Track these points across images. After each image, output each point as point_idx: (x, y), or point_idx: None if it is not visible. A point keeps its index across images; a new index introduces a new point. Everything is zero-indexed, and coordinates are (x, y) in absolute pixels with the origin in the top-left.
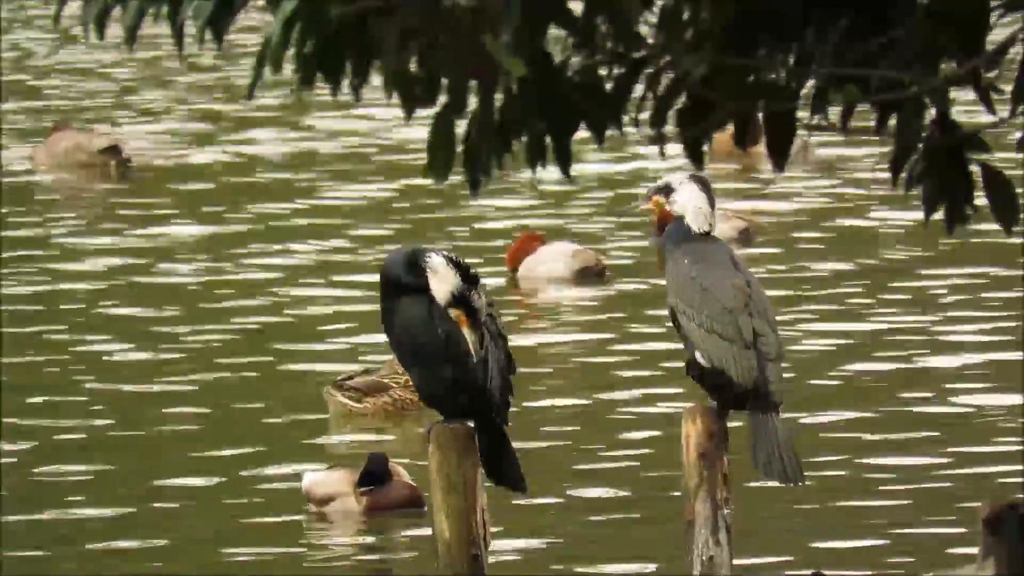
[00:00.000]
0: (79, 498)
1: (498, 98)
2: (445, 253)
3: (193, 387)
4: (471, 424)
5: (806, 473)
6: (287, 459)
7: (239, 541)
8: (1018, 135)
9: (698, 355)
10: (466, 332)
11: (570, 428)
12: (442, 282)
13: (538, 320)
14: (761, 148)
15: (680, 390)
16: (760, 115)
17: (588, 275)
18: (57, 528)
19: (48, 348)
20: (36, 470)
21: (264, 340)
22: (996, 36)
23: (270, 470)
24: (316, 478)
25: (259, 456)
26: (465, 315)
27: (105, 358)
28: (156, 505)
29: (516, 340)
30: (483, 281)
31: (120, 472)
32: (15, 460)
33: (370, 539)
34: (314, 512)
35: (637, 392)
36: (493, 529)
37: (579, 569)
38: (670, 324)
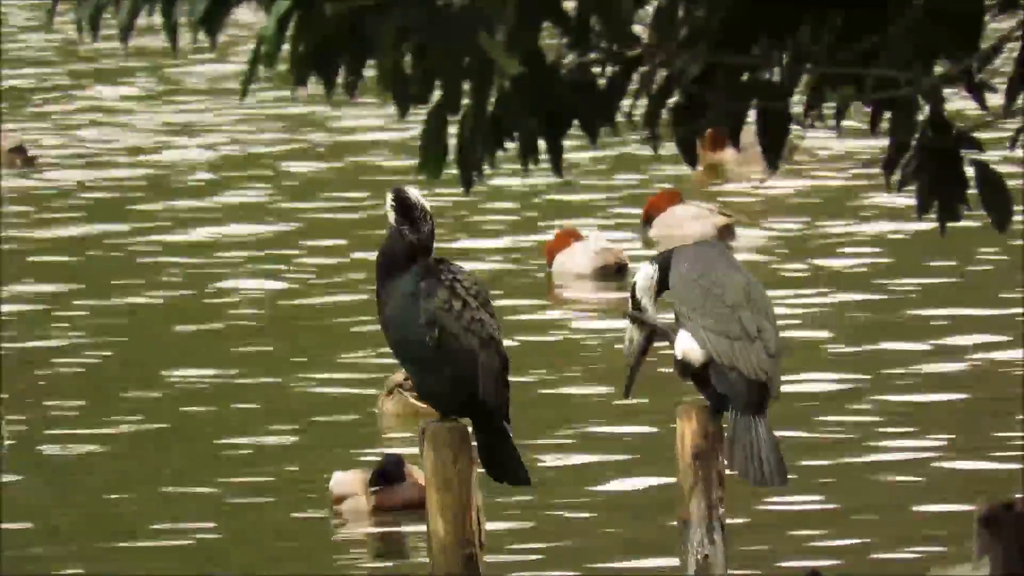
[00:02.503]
0: (100, 484)
1: (491, 96)
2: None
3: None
4: (467, 422)
5: (801, 472)
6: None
7: (258, 538)
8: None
9: (683, 352)
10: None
11: (568, 425)
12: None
13: (555, 316)
14: (729, 152)
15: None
16: (751, 114)
17: (607, 272)
18: (81, 514)
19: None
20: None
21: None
22: (991, 34)
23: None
24: (337, 478)
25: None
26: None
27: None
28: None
29: (539, 335)
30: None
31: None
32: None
33: (372, 538)
34: (335, 511)
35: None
36: (488, 527)
37: (575, 568)
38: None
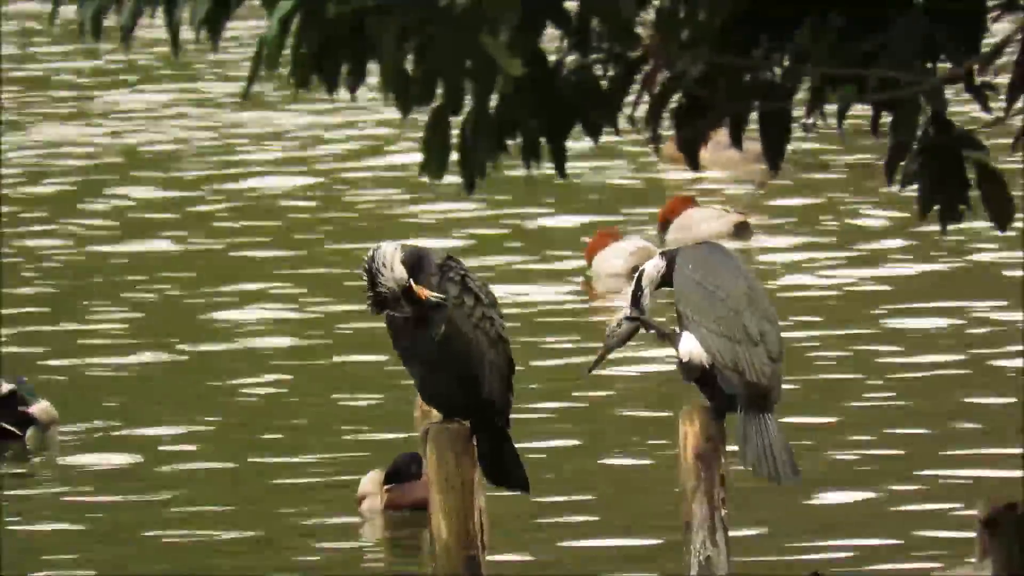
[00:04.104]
0: (131, 484)
1: (493, 97)
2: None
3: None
4: (468, 424)
5: (804, 473)
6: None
7: (285, 539)
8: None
9: (688, 354)
10: (427, 292)
11: (572, 426)
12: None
13: (582, 316)
14: (704, 154)
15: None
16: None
17: None
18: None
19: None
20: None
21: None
22: (992, 35)
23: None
24: (364, 478)
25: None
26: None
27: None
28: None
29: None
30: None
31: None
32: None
33: (380, 538)
34: (359, 511)
35: (646, 391)
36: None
37: (576, 570)
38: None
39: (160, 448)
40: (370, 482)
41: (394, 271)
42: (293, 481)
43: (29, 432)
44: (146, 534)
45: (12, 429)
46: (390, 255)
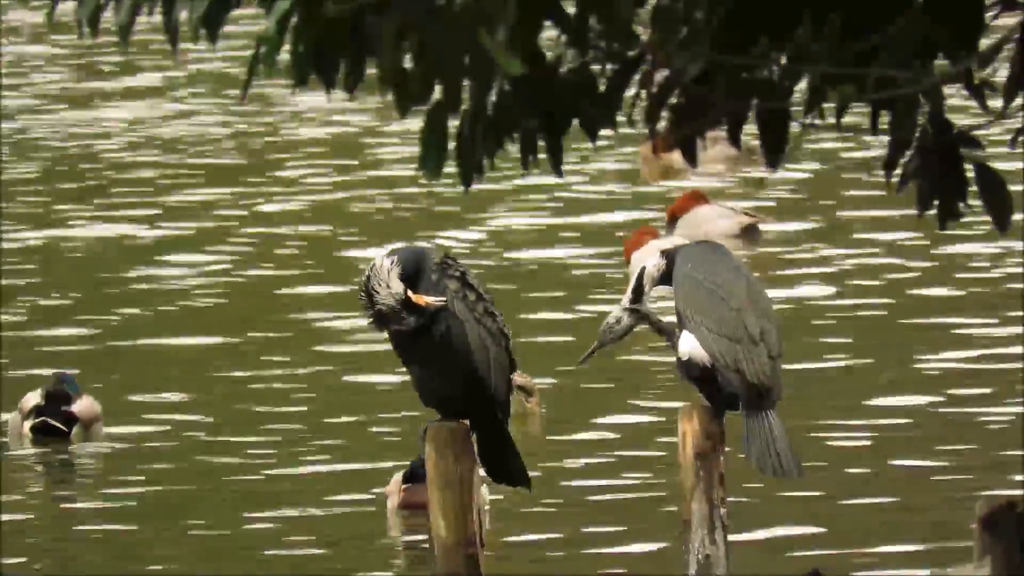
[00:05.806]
0: (156, 468)
1: (491, 96)
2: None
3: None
4: (467, 423)
5: (804, 472)
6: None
7: (305, 536)
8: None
9: (688, 353)
10: (426, 299)
11: (575, 423)
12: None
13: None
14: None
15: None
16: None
17: None
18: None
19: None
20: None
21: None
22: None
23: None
24: (392, 478)
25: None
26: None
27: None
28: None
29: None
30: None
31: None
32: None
33: (386, 538)
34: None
35: (651, 390)
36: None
37: (576, 569)
38: None
39: (190, 446)
40: (393, 482)
41: (391, 287)
42: (318, 478)
43: (74, 430)
44: (170, 531)
45: (58, 425)
46: (387, 272)
